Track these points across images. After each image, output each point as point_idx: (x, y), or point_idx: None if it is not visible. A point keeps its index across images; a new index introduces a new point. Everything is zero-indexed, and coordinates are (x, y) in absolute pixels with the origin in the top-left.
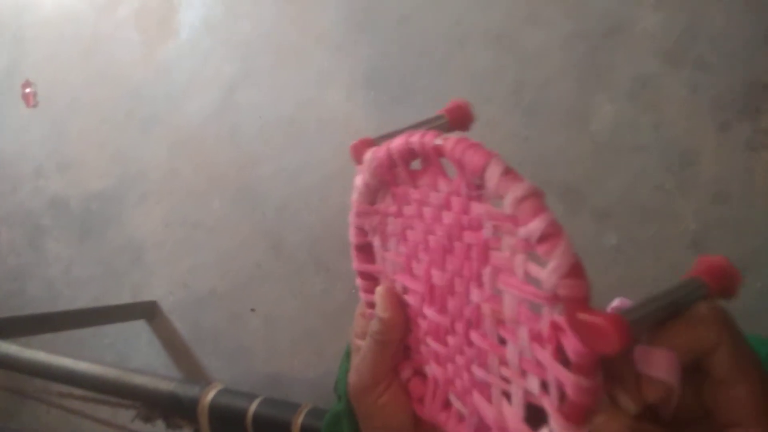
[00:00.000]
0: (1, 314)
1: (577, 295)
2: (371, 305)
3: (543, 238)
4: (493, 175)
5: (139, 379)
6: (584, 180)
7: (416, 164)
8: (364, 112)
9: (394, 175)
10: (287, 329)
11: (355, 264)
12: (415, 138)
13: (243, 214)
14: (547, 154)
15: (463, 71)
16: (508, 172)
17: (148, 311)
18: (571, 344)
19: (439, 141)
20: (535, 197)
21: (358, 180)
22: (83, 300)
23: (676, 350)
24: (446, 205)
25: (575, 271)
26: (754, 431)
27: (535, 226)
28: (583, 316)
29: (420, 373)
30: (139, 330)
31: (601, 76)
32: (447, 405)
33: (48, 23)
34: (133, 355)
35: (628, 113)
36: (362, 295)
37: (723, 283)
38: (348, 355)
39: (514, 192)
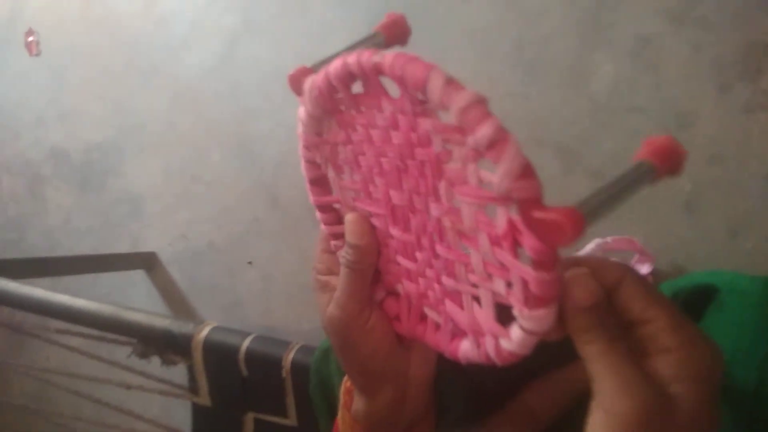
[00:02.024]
0: None
1: (530, 195)
2: (336, 237)
3: (491, 144)
4: (435, 87)
5: (134, 316)
6: (580, 139)
7: (358, 88)
8: None
9: (335, 102)
10: (283, 282)
11: (312, 198)
12: (352, 59)
13: (241, 168)
14: (546, 112)
15: (464, 27)
16: (450, 82)
17: (147, 262)
18: (529, 242)
19: (377, 58)
20: (480, 104)
21: (301, 112)
22: (82, 249)
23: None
24: (393, 125)
25: (526, 172)
26: (679, 355)
27: (483, 133)
28: (538, 213)
29: (392, 293)
30: (137, 280)
31: (603, 34)
32: (423, 318)
33: None
34: (131, 305)
35: (628, 73)
36: (325, 228)
37: (670, 162)
38: None
39: (458, 102)
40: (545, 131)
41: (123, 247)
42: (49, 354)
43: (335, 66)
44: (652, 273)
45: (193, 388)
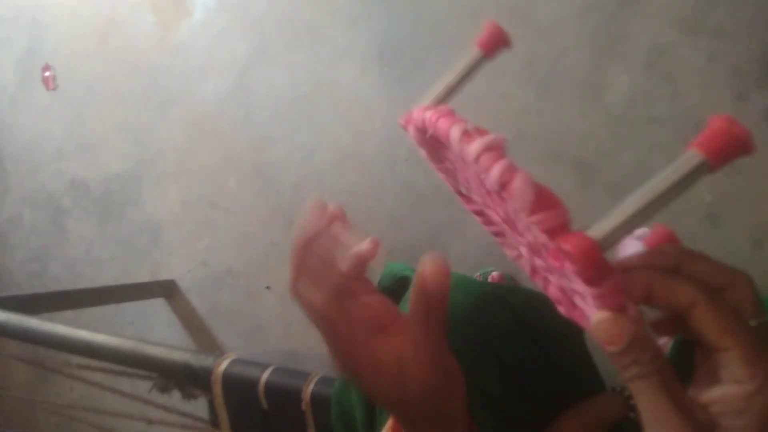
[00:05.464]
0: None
1: (550, 225)
2: (497, 234)
3: (502, 184)
4: (454, 141)
5: (154, 350)
6: (598, 153)
7: None
8: (376, 90)
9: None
10: None
11: (466, 207)
12: (417, 114)
13: (258, 193)
14: (561, 127)
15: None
16: (465, 134)
17: (167, 290)
18: (568, 265)
19: (426, 115)
20: (490, 150)
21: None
22: (104, 279)
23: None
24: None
25: (541, 204)
26: (749, 388)
27: (494, 175)
28: (560, 244)
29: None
30: (158, 308)
31: (616, 46)
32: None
33: (65, 6)
34: (153, 334)
35: (643, 84)
36: (486, 229)
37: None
38: None
39: (470, 151)
40: (562, 146)
41: (144, 275)
42: (72, 385)
43: (416, 119)
44: None
45: (214, 422)
